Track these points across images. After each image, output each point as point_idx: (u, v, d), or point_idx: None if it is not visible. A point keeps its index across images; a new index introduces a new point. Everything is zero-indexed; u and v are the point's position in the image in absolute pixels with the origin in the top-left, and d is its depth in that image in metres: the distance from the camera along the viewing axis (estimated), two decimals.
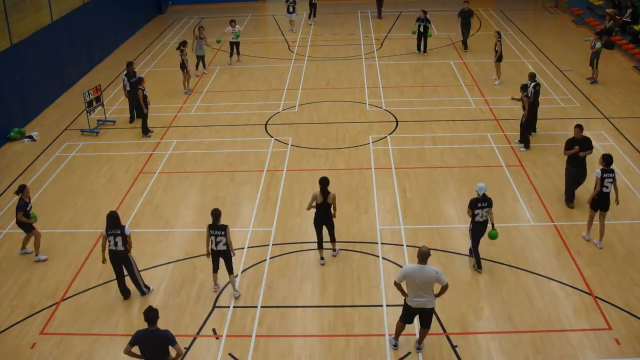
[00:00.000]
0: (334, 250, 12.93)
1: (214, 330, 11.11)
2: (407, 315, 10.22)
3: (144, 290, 12.00)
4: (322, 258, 12.72)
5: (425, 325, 10.21)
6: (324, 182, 12.17)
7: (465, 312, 11.31)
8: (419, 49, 25.47)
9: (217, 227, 11.43)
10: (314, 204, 12.29)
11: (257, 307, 11.60)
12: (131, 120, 19.91)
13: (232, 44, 25.06)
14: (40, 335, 11.15)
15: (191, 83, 22.91)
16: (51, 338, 11.07)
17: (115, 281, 11.98)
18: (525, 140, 17.18)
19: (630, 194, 15.00)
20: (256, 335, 10.94)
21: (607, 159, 12.91)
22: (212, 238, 11.48)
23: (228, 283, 12.07)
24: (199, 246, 13.51)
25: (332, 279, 12.24)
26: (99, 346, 10.85)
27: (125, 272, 11.86)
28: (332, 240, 12.81)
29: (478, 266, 12.30)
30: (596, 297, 11.60)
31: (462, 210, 14.49)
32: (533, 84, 17.63)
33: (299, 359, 10.45)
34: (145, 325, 8.85)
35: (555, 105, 20.14)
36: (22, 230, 13.36)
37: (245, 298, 11.80)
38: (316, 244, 12.73)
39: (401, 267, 12.53)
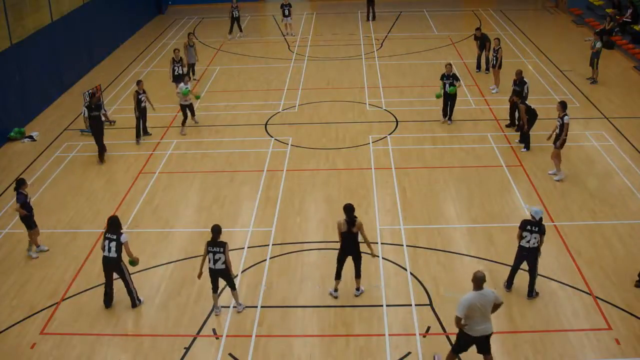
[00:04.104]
0: (357, 289, 11.74)
1: (214, 330, 11.11)
2: (465, 345, 9.56)
3: (136, 302, 11.69)
4: (336, 290, 11.73)
5: (488, 351, 9.60)
6: (347, 210, 11.09)
7: None
8: (444, 114, 19.09)
9: (216, 244, 10.93)
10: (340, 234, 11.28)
11: (257, 307, 11.59)
12: (101, 153, 17.34)
13: (182, 106, 18.94)
14: (40, 335, 11.14)
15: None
16: (51, 338, 11.07)
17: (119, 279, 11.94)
18: (526, 141, 17.16)
19: (630, 194, 15.00)
20: (256, 335, 10.94)
21: (564, 105, 15.52)
22: (210, 255, 10.97)
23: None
24: (199, 246, 13.50)
25: (333, 279, 12.21)
26: (99, 346, 10.85)
27: (118, 278, 11.61)
28: (357, 275, 11.62)
29: (508, 285, 11.67)
30: (596, 297, 11.60)
31: (462, 210, 14.50)
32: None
33: (299, 359, 10.45)
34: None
35: (556, 105, 20.10)
36: (22, 230, 13.37)
37: (245, 298, 11.78)
38: (334, 274, 11.74)
39: (401, 267, 12.54)
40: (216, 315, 11.45)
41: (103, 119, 17.51)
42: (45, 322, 11.47)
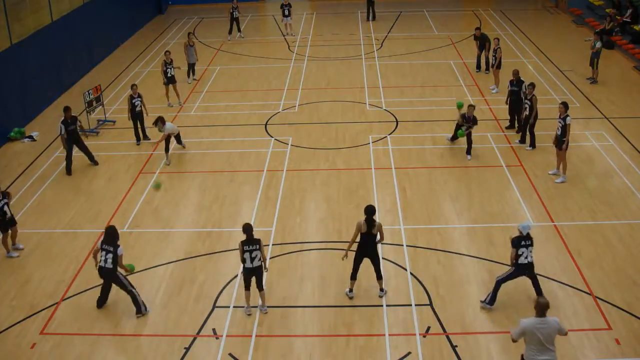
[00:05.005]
0: (382, 290, 11.69)
1: (214, 330, 11.11)
2: None
3: (142, 310, 11.41)
4: (350, 290, 11.70)
5: None
6: (369, 211, 11.05)
7: (465, 312, 11.31)
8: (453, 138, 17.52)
9: (252, 242, 10.90)
10: (358, 234, 11.22)
11: (257, 307, 11.58)
12: (69, 171, 16.81)
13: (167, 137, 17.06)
14: (40, 335, 11.14)
15: (186, 90, 22.94)
16: (51, 338, 11.07)
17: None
18: (532, 139, 17.09)
19: (630, 194, 15.01)
20: (256, 335, 10.94)
21: (567, 106, 15.31)
22: (247, 255, 10.88)
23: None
24: (199, 246, 13.52)
25: (332, 279, 12.22)
26: (99, 346, 10.85)
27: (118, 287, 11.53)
28: (379, 277, 11.61)
29: (491, 301, 11.25)
30: (596, 297, 11.60)
31: (462, 210, 14.50)
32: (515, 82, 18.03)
33: (298, 359, 10.45)
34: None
35: (555, 105, 20.08)
36: (22, 230, 13.37)
37: (245, 298, 11.77)
38: (350, 274, 11.66)
39: (401, 267, 12.55)
40: (248, 314, 11.34)
41: (79, 130, 16.99)
42: (45, 322, 11.47)
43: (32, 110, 20.78)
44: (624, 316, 11.11)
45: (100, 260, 11.23)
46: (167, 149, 17.14)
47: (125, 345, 10.88)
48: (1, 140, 18.87)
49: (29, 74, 20.65)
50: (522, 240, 10.95)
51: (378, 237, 11.28)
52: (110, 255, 11.14)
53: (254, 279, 11.23)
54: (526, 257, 10.99)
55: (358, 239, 11.34)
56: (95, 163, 17.21)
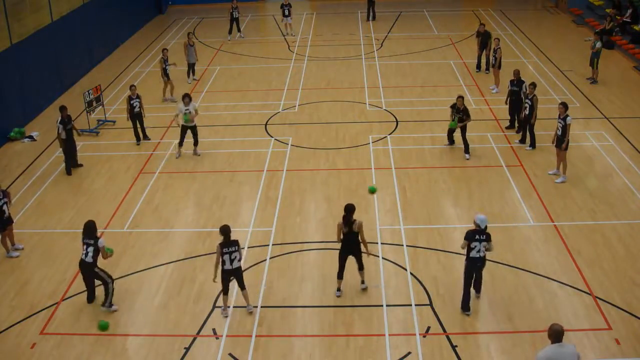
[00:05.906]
0: (363, 282, 11.86)
1: (214, 330, 11.11)
2: None
3: (106, 305, 11.48)
4: (338, 289, 11.78)
5: None
6: (347, 210, 11.15)
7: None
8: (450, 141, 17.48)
9: (230, 244, 10.92)
10: (341, 234, 11.34)
11: (257, 307, 11.59)
12: (69, 171, 16.81)
13: (184, 128, 17.27)
14: (40, 335, 11.15)
15: (186, 90, 22.95)
16: (51, 338, 11.07)
17: (119, 279, 11.97)
18: (532, 140, 17.10)
19: (630, 194, 15.01)
20: (256, 335, 10.94)
21: (566, 106, 15.37)
22: (227, 257, 10.89)
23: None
24: (199, 246, 13.52)
25: (332, 279, 12.21)
26: (98, 346, 10.85)
27: (99, 282, 11.66)
28: (360, 267, 11.68)
29: (465, 308, 11.21)
30: (596, 297, 11.60)
31: (462, 210, 14.51)
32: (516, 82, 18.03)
33: (298, 359, 10.45)
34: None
35: (556, 105, 20.09)
36: (22, 230, 13.37)
37: None
38: (337, 273, 11.77)
39: (401, 267, 12.54)
40: (224, 316, 11.37)
41: (74, 129, 16.87)
42: (45, 322, 11.47)
43: (32, 110, 20.78)
44: (624, 316, 11.11)
45: (82, 254, 11.32)
46: (180, 143, 17.28)
47: (125, 345, 10.88)
48: (1, 140, 18.87)
49: (29, 74, 20.65)
50: (476, 234, 10.84)
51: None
52: (91, 249, 11.22)
53: (233, 282, 11.21)
54: (478, 251, 10.89)
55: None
56: (79, 165, 17.12)
